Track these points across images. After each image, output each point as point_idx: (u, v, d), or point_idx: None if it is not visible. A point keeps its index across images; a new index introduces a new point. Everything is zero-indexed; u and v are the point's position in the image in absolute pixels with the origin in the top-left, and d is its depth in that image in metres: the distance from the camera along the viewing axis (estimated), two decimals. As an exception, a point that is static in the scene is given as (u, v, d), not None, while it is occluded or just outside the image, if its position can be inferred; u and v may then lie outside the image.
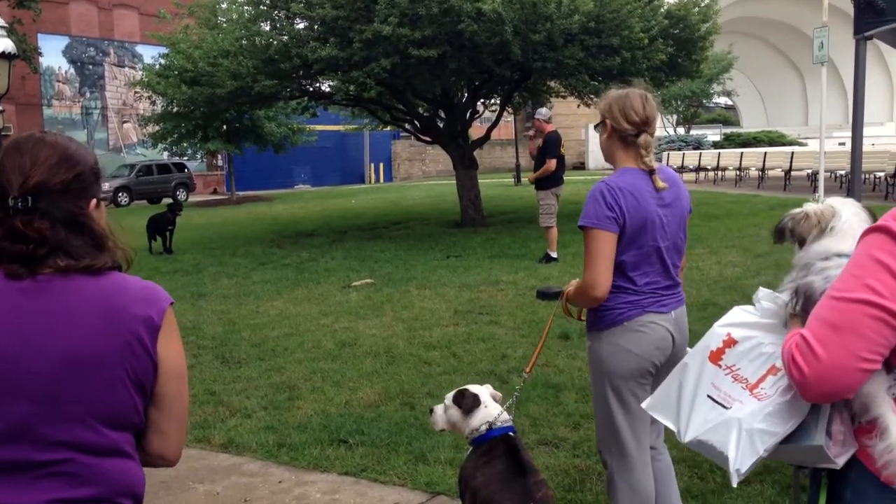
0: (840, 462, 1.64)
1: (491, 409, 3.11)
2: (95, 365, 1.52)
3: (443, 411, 3.23)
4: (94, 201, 1.64)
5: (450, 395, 3.22)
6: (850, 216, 1.90)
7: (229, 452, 4.82)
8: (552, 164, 10.74)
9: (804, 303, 1.76)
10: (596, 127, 3.05)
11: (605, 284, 2.83)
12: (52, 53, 36.76)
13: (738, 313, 1.99)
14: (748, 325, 1.93)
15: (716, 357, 1.93)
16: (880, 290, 1.48)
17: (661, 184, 2.89)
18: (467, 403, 3.10)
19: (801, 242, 1.92)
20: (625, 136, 2.90)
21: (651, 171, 2.90)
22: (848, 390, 1.53)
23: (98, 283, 1.56)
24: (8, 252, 1.51)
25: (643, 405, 2.20)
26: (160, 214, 14.71)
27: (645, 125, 2.89)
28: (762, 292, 1.96)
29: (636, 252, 2.86)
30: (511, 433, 3.08)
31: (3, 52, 7.48)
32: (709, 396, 1.90)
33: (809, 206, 1.98)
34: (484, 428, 3.04)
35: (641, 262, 2.88)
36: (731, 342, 1.92)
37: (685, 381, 1.98)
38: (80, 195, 1.60)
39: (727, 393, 1.86)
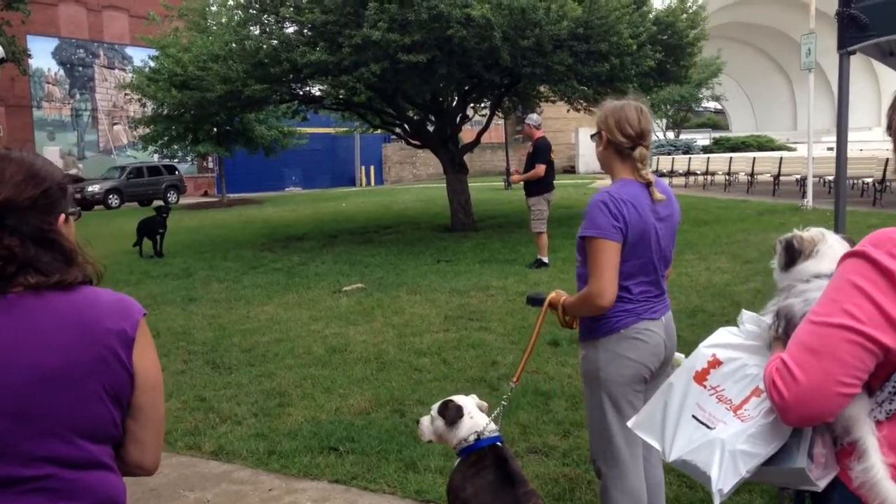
0: (822, 485, 1.67)
1: (477, 420, 3.13)
2: (71, 380, 1.53)
3: (429, 422, 3.24)
4: (62, 217, 1.64)
5: (435, 406, 3.24)
6: (833, 241, 1.94)
7: (220, 460, 4.82)
8: (541, 168, 10.79)
9: (785, 326, 1.79)
10: (592, 137, 3.08)
11: (613, 294, 2.86)
12: (42, 55, 36.63)
13: (723, 334, 2.01)
14: (733, 346, 1.96)
15: (701, 377, 1.95)
16: (858, 315, 1.51)
17: (658, 195, 2.94)
18: (450, 415, 3.11)
19: (790, 265, 1.96)
20: (620, 148, 2.95)
21: (649, 184, 2.94)
22: (828, 414, 1.56)
23: (70, 299, 1.56)
24: None
25: (628, 424, 2.22)
26: (150, 218, 14.68)
27: (640, 138, 2.93)
28: (746, 315, 1.99)
29: (634, 262, 2.90)
30: (499, 443, 3.10)
31: (-7, 57, 7.42)
32: (693, 417, 1.92)
33: (799, 232, 2.02)
34: (472, 438, 3.06)
35: (638, 272, 2.92)
36: (715, 363, 1.95)
37: (670, 401, 2.00)
38: (48, 211, 1.60)
39: (711, 413, 1.89)
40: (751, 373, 1.87)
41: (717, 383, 1.92)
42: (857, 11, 3.90)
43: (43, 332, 1.52)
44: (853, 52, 4.11)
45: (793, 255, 1.96)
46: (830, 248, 1.90)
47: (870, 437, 1.58)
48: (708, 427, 1.87)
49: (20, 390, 1.49)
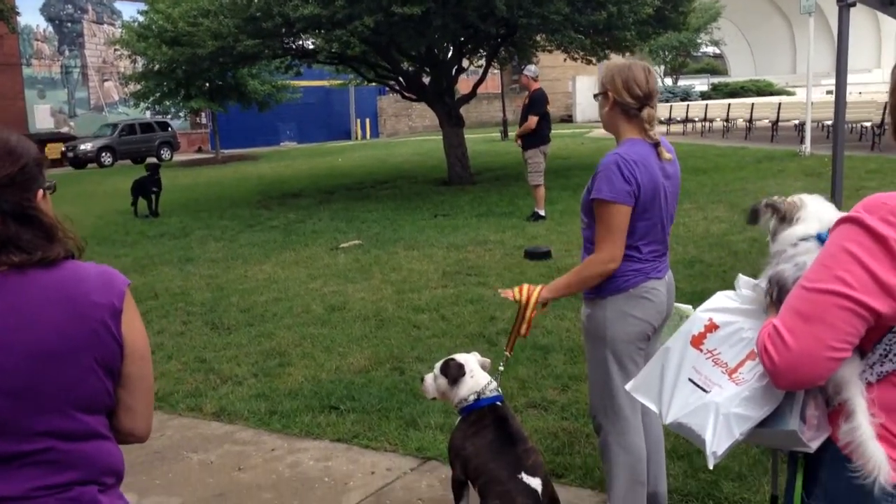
0: (814, 446, 1.69)
1: (478, 379, 3.15)
2: (64, 355, 1.54)
3: (433, 380, 3.27)
4: (40, 192, 1.63)
5: (438, 365, 3.26)
6: (814, 203, 1.94)
7: (221, 421, 4.86)
8: (532, 121, 10.70)
9: (778, 292, 1.79)
10: (596, 97, 3.03)
11: (621, 258, 2.88)
12: (30, 12, 36.03)
13: (720, 299, 2.02)
14: (729, 310, 1.97)
15: (697, 341, 1.97)
16: (850, 281, 1.51)
17: (666, 155, 2.92)
18: (452, 373, 3.14)
19: (779, 225, 1.95)
20: (627, 109, 2.91)
21: (656, 144, 2.92)
22: (818, 378, 1.58)
23: (55, 275, 1.56)
24: None
25: (627, 387, 2.24)
26: (144, 177, 14.59)
27: (648, 99, 2.90)
28: (742, 280, 2.00)
29: (646, 223, 2.90)
30: (499, 402, 3.13)
31: (-22, 17, 7.28)
32: (690, 380, 1.94)
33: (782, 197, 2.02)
34: (472, 398, 3.09)
35: (648, 233, 2.93)
36: (712, 327, 1.96)
37: (667, 364, 2.01)
38: (26, 188, 1.59)
39: (707, 377, 1.90)
40: (746, 336, 1.88)
41: (714, 347, 1.93)
42: (858, -38, 3.83)
43: (31, 310, 1.53)
44: (853, 4, 4.05)
45: (780, 216, 1.96)
46: (813, 210, 1.90)
47: (858, 399, 1.59)
48: (704, 390, 1.89)
49: (16, 368, 1.50)
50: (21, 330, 1.51)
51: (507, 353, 3.31)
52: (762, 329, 1.67)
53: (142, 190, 14.40)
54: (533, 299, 3.07)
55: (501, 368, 3.31)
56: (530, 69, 11.23)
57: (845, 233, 1.56)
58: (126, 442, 1.71)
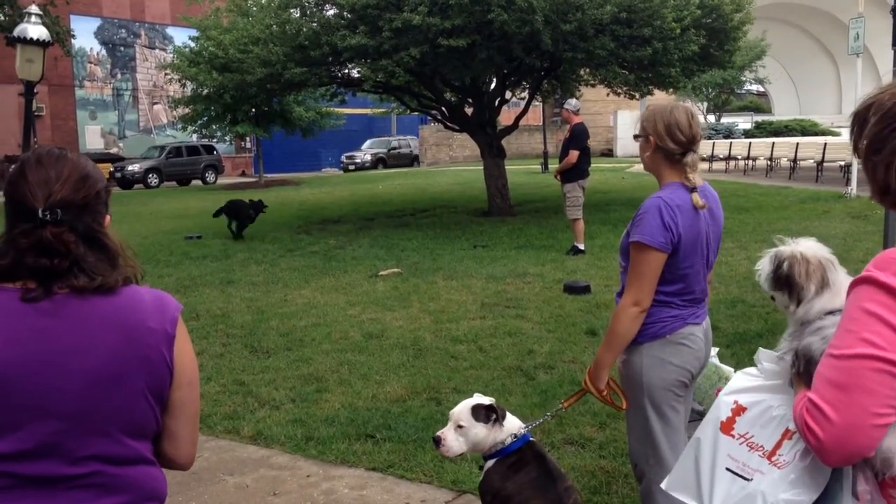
0: None
1: (512, 418, 3.11)
2: (117, 380, 1.57)
3: (457, 434, 3.04)
4: (108, 218, 1.70)
5: (463, 414, 3.05)
6: (843, 276, 1.88)
7: (258, 444, 4.89)
8: (573, 156, 10.68)
9: (805, 365, 1.75)
10: (636, 138, 2.98)
11: (648, 303, 2.84)
12: (84, 35, 37.18)
13: (740, 379, 1.97)
14: (753, 389, 1.91)
15: (727, 427, 1.91)
16: (877, 342, 1.45)
17: (700, 202, 2.84)
18: (501, 413, 3.03)
19: (798, 293, 1.91)
20: (669, 154, 2.86)
21: (693, 189, 2.85)
22: (867, 449, 1.50)
23: (113, 301, 1.60)
24: (29, 266, 1.53)
25: (662, 486, 2.18)
26: (243, 202, 14.51)
27: (691, 144, 2.85)
28: (762, 353, 1.94)
29: (686, 270, 2.87)
30: (531, 439, 3.09)
31: (38, 40, 7.52)
32: (727, 469, 1.87)
33: (800, 249, 1.96)
34: (509, 440, 3.03)
35: (688, 280, 2.89)
36: (739, 410, 1.90)
37: (701, 456, 1.95)
38: (97, 212, 1.65)
39: (745, 463, 1.84)
40: (777, 414, 1.82)
41: (745, 430, 1.87)
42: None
43: (91, 335, 1.56)
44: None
45: (781, 286, 1.91)
46: (843, 281, 1.86)
47: None
48: (744, 479, 1.83)
49: (74, 392, 1.54)
50: (79, 354, 1.54)
51: (562, 405, 3.25)
52: (797, 404, 1.60)
53: (237, 211, 14.29)
54: (592, 389, 3.01)
55: (548, 416, 3.29)
56: (571, 103, 11.25)
57: (862, 294, 1.51)
58: (168, 468, 1.73)
